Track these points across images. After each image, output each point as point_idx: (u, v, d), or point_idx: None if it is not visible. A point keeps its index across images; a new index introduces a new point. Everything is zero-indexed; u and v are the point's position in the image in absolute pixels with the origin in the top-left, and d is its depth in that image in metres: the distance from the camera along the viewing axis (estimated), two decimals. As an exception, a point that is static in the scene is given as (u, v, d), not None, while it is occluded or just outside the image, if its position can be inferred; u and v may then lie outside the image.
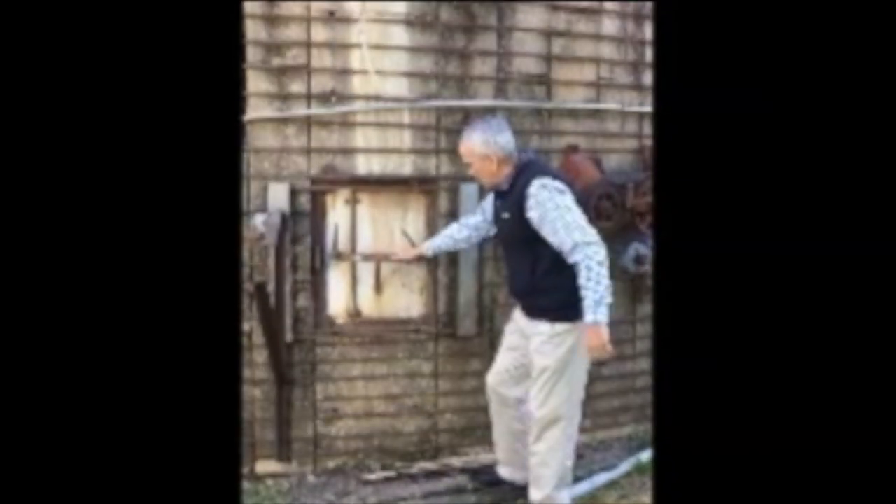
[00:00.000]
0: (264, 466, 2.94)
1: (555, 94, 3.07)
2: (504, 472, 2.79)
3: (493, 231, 2.70)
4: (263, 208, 2.78)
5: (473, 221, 2.75)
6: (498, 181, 2.48)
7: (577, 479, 2.79)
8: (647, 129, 3.23)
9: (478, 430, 3.05)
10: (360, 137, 2.87)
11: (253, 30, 2.75)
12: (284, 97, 2.79)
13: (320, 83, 2.80)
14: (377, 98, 2.85)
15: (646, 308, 3.33)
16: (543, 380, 2.43)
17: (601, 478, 2.91)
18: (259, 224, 2.71)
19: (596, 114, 3.15)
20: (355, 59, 2.82)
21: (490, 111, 2.91)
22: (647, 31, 3.21)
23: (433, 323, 3.03)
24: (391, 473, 2.93)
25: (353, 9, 2.78)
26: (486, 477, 2.84)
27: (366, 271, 2.99)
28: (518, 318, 2.60)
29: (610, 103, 3.16)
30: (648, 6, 3.19)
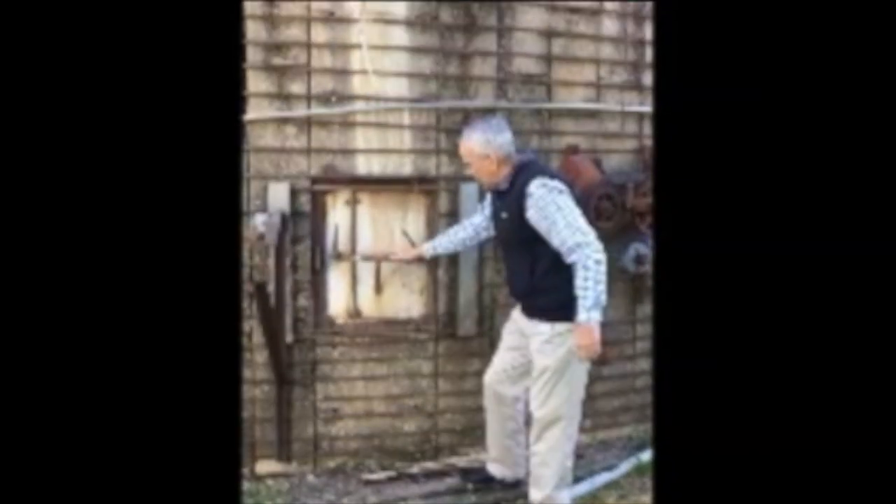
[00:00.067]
0: (264, 466, 2.94)
1: (555, 95, 3.07)
2: (494, 469, 2.80)
3: (492, 231, 2.70)
4: (264, 208, 2.78)
5: (474, 222, 2.75)
6: (497, 181, 2.48)
7: (577, 480, 2.79)
8: (647, 129, 3.23)
9: (478, 430, 3.04)
10: (361, 138, 2.87)
11: (253, 30, 2.75)
12: (285, 97, 2.79)
13: (320, 83, 2.80)
14: (377, 98, 2.85)
15: (646, 308, 3.33)
16: (544, 380, 2.44)
17: (601, 478, 2.91)
18: (259, 224, 2.71)
19: (596, 114, 3.15)
20: (355, 60, 2.82)
21: (490, 111, 2.91)
22: (647, 32, 3.22)
23: (433, 323, 3.03)
24: (391, 473, 2.92)
25: (353, 9, 2.79)
26: (476, 476, 2.84)
27: (366, 271, 2.99)
28: (517, 317, 2.60)
29: (610, 104, 3.16)
30: (648, 6, 3.19)
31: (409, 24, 2.85)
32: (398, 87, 2.87)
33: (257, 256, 2.81)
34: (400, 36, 2.85)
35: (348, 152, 2.86)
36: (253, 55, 2.76)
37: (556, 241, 2.33)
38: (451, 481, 2.86)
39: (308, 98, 2.80)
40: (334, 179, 2.87)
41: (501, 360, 2.67)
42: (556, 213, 2.32)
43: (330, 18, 2.78)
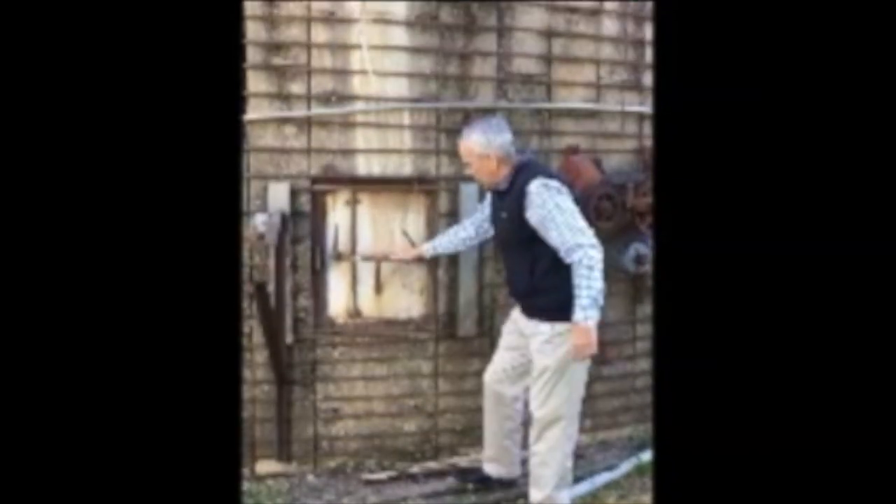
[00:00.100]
0: (264, 467, 2.94)
1: (555, 95, 3.07)
2: (490, 468, 2.80)
3: (492, 231, 2.70)
4: (264, 208, 2.78)
5: (474, 222, 2.75)
6: (497, 181, 2.48)
7: (577, 480, 2.79)
8: (647, 129, 3.23)
9: (478, 430, 3.04)
10: (361, 138, 2.87)
11: (253, 30, 2.75)
12: (285, 97, 2.79)
13: (320, 83, 2.81)
14: (377, 98, 2.85)
15: (646, 308, 3.33)
16: (544, 380, 2.44)
17: (601, 478, 2.91)
18: (259, 224, 2.71)
19: (596, 114, 3.15)
20: (355, 60, 2.82)
21: (490, 112, 2.91)
22: (647, 32, 3.22)
23: (433, 323, 3.03)
24: (391, 474, 2.92)
25: (354, 9, 2.79)
26: (473, 476, 2.85)
27: (366, 271, 2.99)
28: (517, 317, 2.61)
29: (610, 104, 3.16)
30: (648, 6, 3.19)
31: (409, 24, 2.85)
32: (398, 88, 2.87)
33: (257, 256, 2.81)
34: (400, 36, 2.85)
35: (348, 152, 2.86)
36: (253, 55, 2.76)
37: (554, 241, 2.33)
38: (451, 481, 2.86)
39: (308, 98, 2.80)
40: (334, 179, 2.87)
41: (501, 359, 2.67)
42: (555, 213, 2.32)
43: (330, 18, 2.78)
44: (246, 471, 2.89)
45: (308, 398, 2.95)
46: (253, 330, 2.84)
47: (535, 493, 2.54)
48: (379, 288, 3.00)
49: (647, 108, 3.20)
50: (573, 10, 3.07)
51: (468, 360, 3.07)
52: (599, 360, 3.22)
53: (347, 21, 2.79)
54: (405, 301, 3.05)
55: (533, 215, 2.35)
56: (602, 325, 3.14)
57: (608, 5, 3.13)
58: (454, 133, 2.82)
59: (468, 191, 2.91)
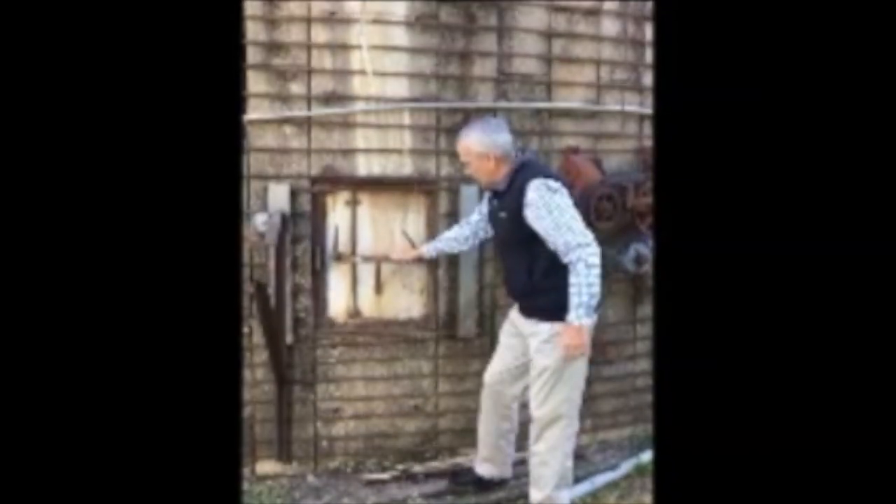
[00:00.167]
0: (265, 467, 2.94)
1: (555, 95, 3.07)
2: (483, 469, 2.80)
3: (490, 232, 2.70)
4: (264, 209, 2.78)
5: (473, 223, 2.75)
6: (495, 181, 2.48)
7: (577, 480, 2.79)
8: (647, 129, 3.23)
9: (478, 430, 3.04)
10: (361, 138, 2.87)
11: (253, 30, 2.75)
12: (285, 98, 2.79)
13: (320, 84, 2.81)
14: (377, 99, 2.85)
15: (646, 308, 3.33)
16: (543, 380, 2.44)
17: (601, 478, 2.91)
18: (259, 224, 2.71)
19: (596, 115, 3.15)
20: (355, 60, 2.82)
21: (490, 112, 2.91)
22: (648, 32, 3.22)
23: (433, 324, 3.03)
24: (391, 474, 2.92)
25: (354, 9, 2.79)
26: (466, 477, 2.84)
27: (366, 272, 2.99)
28: (515, 317, 2.61)
29: (610, 104, 3.16)
30: (648, 7, 3.20)
31: (409, 24, 2.85)
32: (398, 88, 2.87)
33: (257, 257, 2.81)
34: (400, 36, 2.85)
35: (348, 153, 2.86)
36: (253, 56, 2.76)
37: (553, 241, 2.33)
38: (445, 485, 2.85)
39: (308, 98, 2.80)
40: (334, 180, 2.87)
41: (500, 360, 2.67)
42: (554, 213, 2.32)
43: (330, 19, 2.79)
44: (246, 471, 2.89)
45: (308, 398, 2.95)
46: (253, 330, 2.84)
47: (535, 493, 2.54)
48: (379, 288, 3.00)
49: (647, 108, 3.20)
50: (573, 11, 3.07)
51: (468, 361, 3.07)
52: (600, 359, 3.22)
53: (347, 21, 2.79)
54: (405, 301, 3.05)
55: (532, 215, 2.35)
56: (602, 325, 3.16)
57: (608, 5, 3.13)
58: (454, 133, 2.81)
59: (468, 191, 2.92)
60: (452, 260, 2.98)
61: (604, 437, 3.34)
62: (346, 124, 2.85)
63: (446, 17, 2.89)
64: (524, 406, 2.63)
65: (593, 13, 3.10)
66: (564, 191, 2.40)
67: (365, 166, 2.88)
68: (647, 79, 3.22)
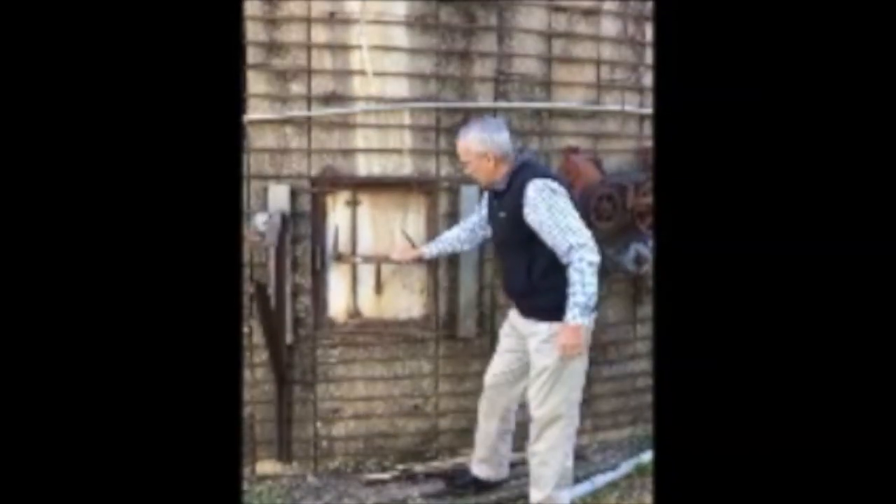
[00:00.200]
0: (265, 467, 2.94)
1: (555, 96, 3.07)
2: (478, 470, 2.80)
3: (489, 232, 2.70)
4: (264, 209, 2.78)
5: (472, 223, 2.75)
6: (495, 180, 2.48)
7: (577, 480, 2.79)
8: (647, 130, 3.23)
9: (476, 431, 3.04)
10: (361, 138, 2.87)
11: (253, 31, 2.75)
12: (285, 98, 2.79)
13: (320, 84, 2.81)
14: (377, 99, 2.85)
15: (646, 309, 3.33)
16: (542, 380, 2.44)
17: (602, 479, 2.91)
18: (260, 225, 2.71)
19: (596, 115, 3.15)
20: (355, 60, 2.82)
21: (490, 112, 2.91)
22: (648, 33, 3.22)
23: (433, 324, 3.03)
24: (391, 474, 2.93)
25: (354, 10, 2.79)
26: (461, 479, 2.84)
27: (366, 272, 2.99)
28: (513, 318, 2.61)
29: (610, 104, 3.17)
30: (648, 7, 3.20)
31: (409, 24, 2.85)
32: (398, 88, 2.87)
33: (257, 257, 2.81)
34: (400, 36, 2.85)
35: (348, 153, 2.86)
36: (253, 56, 2.76)
37: (552, 242, 2.34)
38: (441, 486, 2.85)
39: (308, 99, 2.80)
40: (334, 180, 2.87)
41: (499, 362, 2.67)
42: (553, 214, 2.33)
43: (330, 19, 2.79)
44: (246, 471, 2.89)
45: (308, 398, 2.95)
46: (253, 330, 2.84)
47: (535, 494, 2.54)
48: (379, 288, 3.00)
49: (647, 110, 3.20)
50: (573, 11, 3.07)
51: (468, 361, 3.07)
52: (600, 359, 3.22)
53: (347, 21, 2.80)
54: (405, 301, 3.05)
55: (531, 216, 2.35)
56: (602, 325, 3.16)
57: (608, 5, 3.13)
58: (454, 133, 2.81)
59: (468, 191, 2.92)
60: (452, 260, 2.98)
61: (604, 437, 3.34)
62: (346, 124, 2.85)
63: (446, 17, 2.89)
64: (523, 406, 2.63)
65: (593, 13, 3.10)
66: (564, 191, 2.40)
67: (365, 166, 2.88)
68: (647, 79, 3.22)
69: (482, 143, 2.44)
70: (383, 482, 2.88)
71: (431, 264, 2.99)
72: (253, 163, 2.80)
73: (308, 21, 2.77)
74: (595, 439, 3.30)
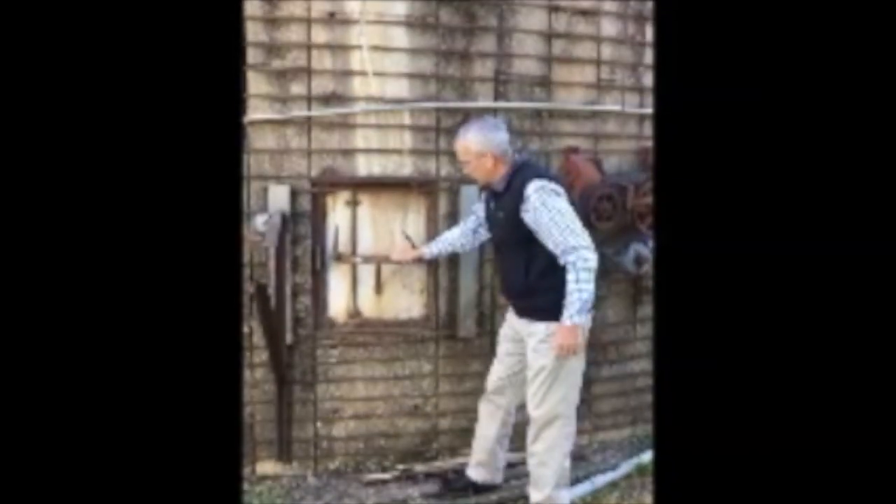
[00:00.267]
0: (265, 467, 2.94)
1: (555, 96, 3.07)
2: (475, 473, 2.80)
3: (487, 232, 2.70)
4: (264, 209, 2.78)
5: (471, 224, 2.75)
6: (493, 179, 2.48)
7: (577, 480, 2.79)
8: (648, 130, 3.23)
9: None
10: (361, 139, 2.87)
11: (253, 31, 2.75)
12: (285, 99, 2.79)
13: (321, 84, 2.81)
14: (377, 99, 2.85)
15: (646, 309, 3.33)
16: (540, 380, 2.44)
17: (602, 479, 2.91)
18: (260, 225, 2.71)
19: (596, 115, 3.15)
20: (355, 61, 2.82)
21: (490, 112, 2.91)
22: (648, 33, 3.22)
23: (433, 324, 3.03)
24: (391, 474, 2.93)
25: (354, 10, 2.79)
26: (457, 483, 2.84)
27: (366, 272, 2.99)
28: (511, 319, 2.61)
29: (610, 105, 3.17)
30: (648, 7, 3.20)
31: (410, 24, 2.85)
32: (398, 88, 2.87)
33: (257, 257, 2.81)
34: (400, 37, 2.85)
35: (348, 153, 2.86)
36: (253, 57, 2.76)
37: (550, 242, 2.34)
38: (438, 488, 2.85)
39: (308, 99, 2.80)
40: (334, 180, 2.88)
41: (500, 366, 2.67)
42: (552, 215, 2.33)
43: (330, 20, 2.79)
44: (246, 471, 2.89)
45: (308, 399, 2.95)
46: (253, 330, 2.84)
47: (534, 494, 2.55)
48: (379, 288, 3.00)
49: (647, 110, 3.20)
50: (573, 12, 3.07)
51: (468, 361, 3.07)
52: (600, 359, 3.23)
53: (347, 22, 2.80)
54: (405, 301, 3.05)
55: (530, 216, 2.35)
56: (602, 325, 3.16)
57: (608, 6, 3.13)
58: (454, 134, 2.81)
59: (468, 191, 2.92)
60: (452, 260, 2.98)
61: (604, 437, 3.34)
62: (347, 125, 2.85)
63: (446, 18, 2.89)
64: (521, 407, 2.63)
65: (593, 13, 3.10)
66: (563, 192, 2.40)
67: (365, 167, 2.88)
68: (647, 79, 3.23)
69: (481, 143, 2.44)
70: (383, 482, 2.88)
71: (431, 264, 2.98)
72: (253, 163, 2.80)
73: (308, 21, 2.77)
74: (595, 439, 3.30)
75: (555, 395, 2.44)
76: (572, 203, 2.42)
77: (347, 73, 2.82)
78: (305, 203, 2.85)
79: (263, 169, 2.81)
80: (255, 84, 2.77)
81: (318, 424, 2.97)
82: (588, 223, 2.62)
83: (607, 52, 3.15)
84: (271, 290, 2.76)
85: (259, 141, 2.80)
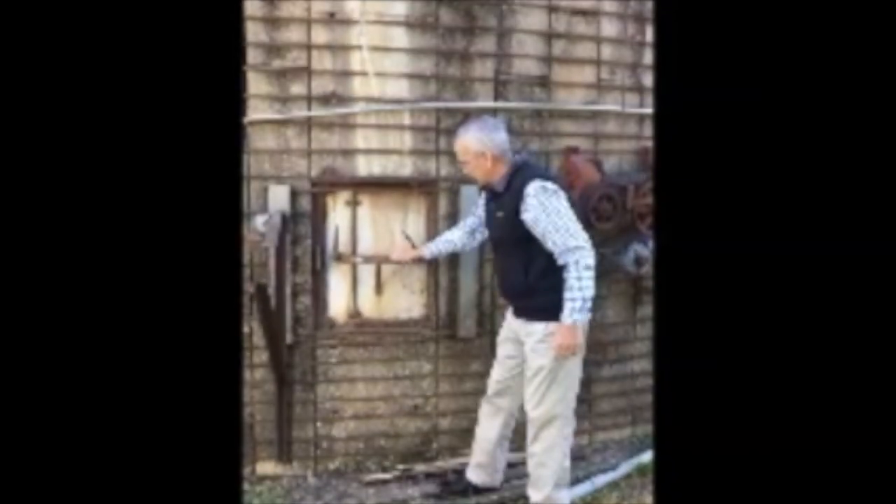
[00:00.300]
0: (265, 468, 2.94)
1: (555, 96, 3.07)
2: (474, 475, 2.80)
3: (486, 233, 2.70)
4: (264, 210, 2.78)
5: (470, 224, 2.75)
6: (492, 179, 2.48)
7: (577, 480, 2.80)
8: (647, 130, 3.24)
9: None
10: (361, 139, 2.87)
11: (253, 31, 2.76)
12: (285, 99, 2.79)
13: (321, 85, 2.81)
14: (377, 99, 2.86)
15: (646, 309, 3.33)
16: (539, 380, 2.44)
17: (602, 479, 2.91)
18: (260, 225, 2.71)
19: (596, 115, 3.15)
20: (355, 61, 2.82)
21: (490, 112, 2.91)
22: (648, 33, 3.22)
23: (433, 324, 3.03)
24: (392, 474, 2.93)
25: (354, 10, 2.79)
26: (456, 485, 2.84)
27: (366, 272, 2.99)
28: (510, 320, 2.61)
29: (610, 105, 3.17)
30: (648, 7, 3.20)
31: (410, 25, 2.85)
32: (398, 89, 2.88)
33: (257, 257, 2.81)
34: (400, 37, 2.85)
35: (349, 153, 2.86)
36: (253, 57, 2.76)
37: (550, 243, 2.34)
38: (436, 490, 2.85)
39: (308, 99, 2.80)
40: (334, 181, 2.88)
41: (500, 369, 2.67)
42: (552, 215, 2.33)
43: (330, 20, 2.79)
44: (246, 471, 2.89)
45: (308, 399, 2.95)
46: (253, 330, 2.84)
47: (534, 494, 2.55)
48: (379, 288, 3.00)
49: (647, 110, 3.20)
50: (573, 12, 3.07)
51: (468, 361, 3.07)
52: (601, 359, 3.23)
53: (347, 22, 2.80)
54: (405, 302, 3.05)
55: (529, 216, 2.36)
56: (602, 325, 3.17)
57: (608, 6, 3.13)
58: (454, 134, 2.81)
59: (468, 191, 2.92)
60: (452, 260, 2.98)
61: (604, 437, 3.34)
62: (347, 125, 2.85)
63: (446, 18, 2.89)
64: (521, 408, 2.63)
65: (593, 13, 3.11)
66: (562, 193, 2.40)
67: (365, 167, 2.88)
68: (647, 79, 3.23)
69: (480, 143, 2.44)
70: (383, 482, 2.88)
71: (431, 264, 2.99)
72: (253, 163, 2.80)
73: (308, 21, 2.77)
74: (595, 439, 3.31)
75: (553, 396, 2.44)
76: (572, 203, 2.42)
77: (347, 74, 2.82)
78: (305, 203, 2.85)
79: (263, 169, 2.81)
80: (255, 84, 2.77)
81: (318, 424, 2.97)
82: (588, 223, 2.62)
83: (607, 52, 3.16)
84: (271, 290, 2.76)
85: (259, 141, 2.80)
